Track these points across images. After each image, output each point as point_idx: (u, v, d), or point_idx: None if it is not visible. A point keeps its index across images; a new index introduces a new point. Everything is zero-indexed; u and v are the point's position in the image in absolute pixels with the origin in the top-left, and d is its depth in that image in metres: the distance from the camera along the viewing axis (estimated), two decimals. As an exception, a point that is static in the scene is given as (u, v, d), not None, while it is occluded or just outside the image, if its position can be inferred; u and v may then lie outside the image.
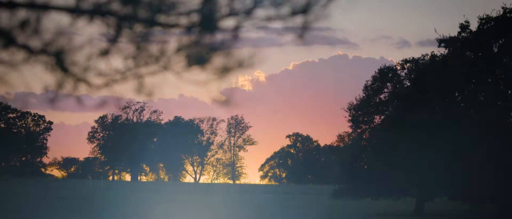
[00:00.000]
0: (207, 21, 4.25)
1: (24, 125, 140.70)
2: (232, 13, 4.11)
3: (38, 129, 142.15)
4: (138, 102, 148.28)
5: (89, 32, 4.48)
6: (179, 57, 4.30)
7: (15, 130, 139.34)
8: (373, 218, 47.29)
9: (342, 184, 51.43)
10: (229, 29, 4.12)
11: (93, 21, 4.39)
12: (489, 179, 42.02)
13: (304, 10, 3.99)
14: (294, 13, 4.02)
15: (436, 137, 43.70)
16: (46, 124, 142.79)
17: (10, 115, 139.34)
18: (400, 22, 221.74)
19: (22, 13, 4.40)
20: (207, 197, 79.30)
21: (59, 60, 4.47)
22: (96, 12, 4.36)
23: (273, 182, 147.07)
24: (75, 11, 4.39)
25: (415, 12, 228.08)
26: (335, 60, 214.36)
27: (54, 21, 4.43)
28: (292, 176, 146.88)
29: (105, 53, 4.49)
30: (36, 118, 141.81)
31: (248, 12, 4.08)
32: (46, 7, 4.36)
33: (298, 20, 4.02)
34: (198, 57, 4.23)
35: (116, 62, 4.49)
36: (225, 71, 4.14)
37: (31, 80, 4.65)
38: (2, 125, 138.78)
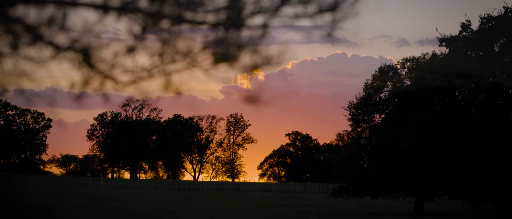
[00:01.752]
0: (234, 18, 4.28)
1: (23, 122, 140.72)
2: (259, 11, 4.14)
3: (37, 126, 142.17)
4: (137, 100, 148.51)
5: (116, 29, 4.51)
6: (206, 54, 4.33)
7: (14, 127, 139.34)
8: (372, 217, 47.34)
9: (341, 183, 51.49)
10: (257, 26, 4.15)
11: (120, 18, 4.43)
12: (490, 179, 42.07)
13: (333, 7, 4.01)
14: (322, 10, 4.05)
15: (436, 136, 43.77)
16: (45, 122, 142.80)
17: (10, 112, 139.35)
18: (399, 21, 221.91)
19: (50, 10, 4.43)
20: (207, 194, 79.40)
21: (86, 57, 4.51)
22: (123, 9, 4.39)
23: (272, 181, 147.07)
24: (103, 8, 4.43)
25: (413, 11, 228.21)
26: (333, 59, 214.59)
27: (82, 17, 4.46)
28: (291, 175, 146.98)
29: (131, 50, 4.53)
30: (35, 115, 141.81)
31: (276, 10, 4.10)
32: (75, 4, 4.40)
33: (327, 18, 4.04)
34: (225, 54, 4.26)
35: (143, 59, 4.53)
36: (253, 68, 4.17)
37: (58, 76, 4.69)
38: (2, 122, 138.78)
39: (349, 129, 53.21)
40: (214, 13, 4.35)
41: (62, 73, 4.63)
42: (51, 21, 4.47)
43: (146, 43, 4.49)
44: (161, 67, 4.47)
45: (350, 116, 50.16)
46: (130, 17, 4.44)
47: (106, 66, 4.56)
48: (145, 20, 4.42)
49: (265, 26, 4.16)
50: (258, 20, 4.18)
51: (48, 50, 4.55)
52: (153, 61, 4.52)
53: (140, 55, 4.56)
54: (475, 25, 47.52)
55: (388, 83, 51.33)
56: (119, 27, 4.53)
